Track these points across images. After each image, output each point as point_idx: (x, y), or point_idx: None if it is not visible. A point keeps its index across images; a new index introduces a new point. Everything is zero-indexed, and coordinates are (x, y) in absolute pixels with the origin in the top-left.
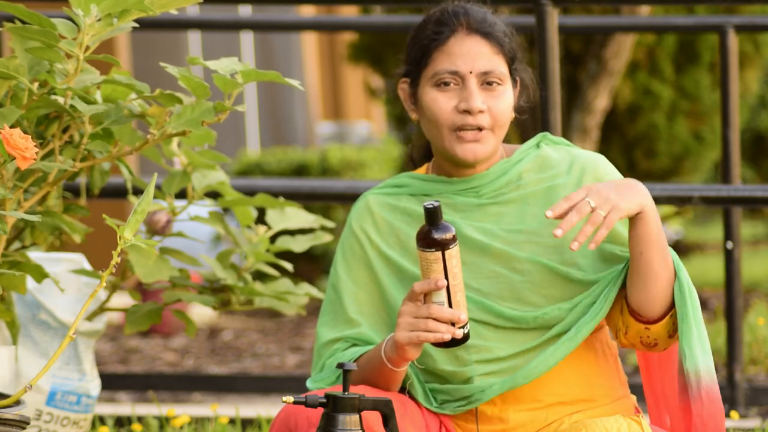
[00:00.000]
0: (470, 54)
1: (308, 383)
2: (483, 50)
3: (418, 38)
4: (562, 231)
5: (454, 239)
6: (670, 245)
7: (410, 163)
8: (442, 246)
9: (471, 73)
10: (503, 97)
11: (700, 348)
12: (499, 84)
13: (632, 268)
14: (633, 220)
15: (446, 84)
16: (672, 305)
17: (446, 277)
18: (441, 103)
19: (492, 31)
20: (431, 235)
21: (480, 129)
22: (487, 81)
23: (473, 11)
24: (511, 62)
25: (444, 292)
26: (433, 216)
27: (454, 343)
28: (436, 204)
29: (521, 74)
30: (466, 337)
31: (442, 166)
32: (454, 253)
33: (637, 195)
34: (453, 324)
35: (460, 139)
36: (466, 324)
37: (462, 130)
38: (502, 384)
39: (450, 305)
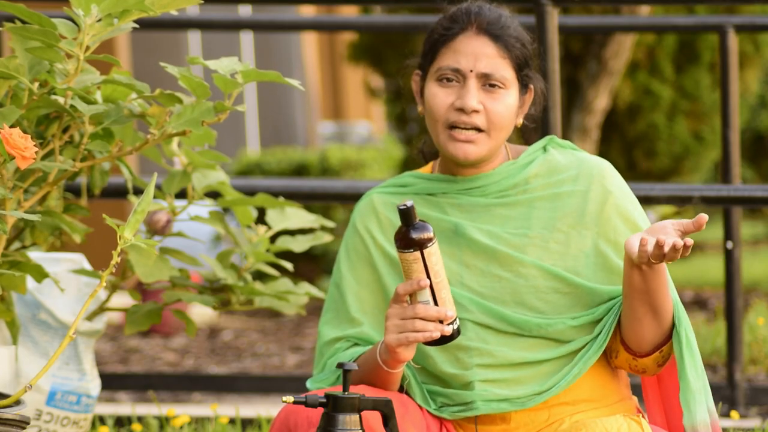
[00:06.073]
0: (474, 53)
1: (308, 383)
2: (488, 52)
3: (431, 33)
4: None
5: (431, 238)
6: None
7: (421, 156)
8: (420, 245)
9: (471, 72)
10: (503, 100)
11: (697, 402)
12: (501, 87)
13: (631, 313)
14: (647, 271)
15: (448, 80)
16: (663, 343)
17: (428, 276)
18: (439, 98)
19: (502, 34)
20: (409, 235)
21: (477, 130)
22: (489, 83)
23: (487, 11)
24: (519, 68)
25: (428, 291)
26: (407, 216)
27: (445, 340)
28: (409, 204)
29: (534, 82)
30: (456, 332)
31: (447, 164)
32: (433, 251)
33: None
34: (441, 321)
35: (452, 137)
36: (454, 320)
37: (455, 129)
38: (508, 405)
39: (435, 303)
